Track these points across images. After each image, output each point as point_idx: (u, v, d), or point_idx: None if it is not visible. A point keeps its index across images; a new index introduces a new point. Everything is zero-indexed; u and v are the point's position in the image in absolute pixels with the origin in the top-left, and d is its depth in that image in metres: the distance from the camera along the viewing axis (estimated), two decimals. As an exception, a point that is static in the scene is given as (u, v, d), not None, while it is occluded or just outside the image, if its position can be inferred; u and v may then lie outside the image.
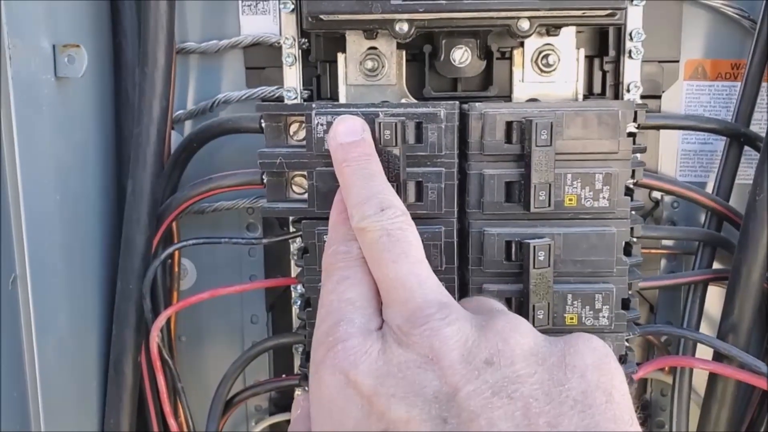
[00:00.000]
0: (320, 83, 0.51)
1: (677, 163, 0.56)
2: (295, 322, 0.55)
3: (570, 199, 0.40)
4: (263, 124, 0.42)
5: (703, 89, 0.55)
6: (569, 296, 0.40)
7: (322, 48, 0.51)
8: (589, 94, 0.51)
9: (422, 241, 0.31)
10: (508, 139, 0.40)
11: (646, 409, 0.60)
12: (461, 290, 0.41)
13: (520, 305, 0.39)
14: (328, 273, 0.31)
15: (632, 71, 0.49)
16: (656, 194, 0.56)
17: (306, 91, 0.50)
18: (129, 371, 0.51)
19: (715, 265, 0.53)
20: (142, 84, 0.49)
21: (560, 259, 0.40)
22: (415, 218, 0.32)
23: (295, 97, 0.50)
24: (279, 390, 0.57)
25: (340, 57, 0.49)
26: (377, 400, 0.25)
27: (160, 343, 0.50)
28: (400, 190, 0.36)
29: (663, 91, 0.55)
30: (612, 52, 0.50)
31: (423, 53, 0.49)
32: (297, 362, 0.55)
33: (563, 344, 0.26)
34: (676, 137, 0.56)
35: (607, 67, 0.51)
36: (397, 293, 0.28)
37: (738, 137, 0.52)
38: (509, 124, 0.39)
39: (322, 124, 0.39)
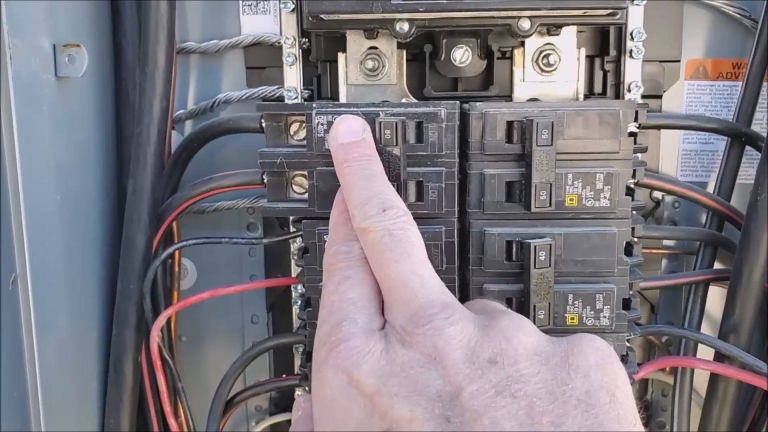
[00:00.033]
0: (321, 83, 0.51)
1: (678, 163, 0.56)
2: (296, 322, 0.55)
3: (571, 199, 0.39)
4: (264, 124, 0.42)
5: (704, 89, 0.55)
6: (570, 296, 0.40)
7: (322, 48, 0.51)
8: (589, 93, 0.51)
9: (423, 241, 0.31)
10: (509, 139, 0.40)
11: (647, 410, 0.60)
12: (462, 290, 0.41)
13: (521, 305, 0.39)
14: (330, 273, 0.31)
15: (633, 71, 0.49)
16: (657, 194, 0.56)
17: (306, 91, 0.50)
18: (129, 371, 0.51)
19: (716, 266, 0.53)
20: (142, 84, 0.49)
21: (561, 259, 0.40)
22: (416, 218, 0.32)
23: (296, 97, 0.50)
24: (279, 390, 0.57)
25: (341, 57, 0.49)
26: (380, 399, 0.25)
27: (161, 342, 0.50)
28: (401, 189, 0.36)
29: (664, 91, 0.54)
30: (613, 52, 0.50)
31: (423, 53, 0.49)
32: (297, 362, 0.55)
33: (566, 344, 0.26)
34: (677, 137, 0.56)
35: (607, 66, 0.51)
36: (400, 293, 0.28)
37: (739, 137, 0.52)
38: (510, 124, 0.39)
39: (322, 124, 0.39)
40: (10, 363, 0.43)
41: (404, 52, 0.49)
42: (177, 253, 0.55)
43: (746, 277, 0.47)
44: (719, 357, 0.49)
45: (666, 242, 0.56)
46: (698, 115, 0.55)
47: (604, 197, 0.39)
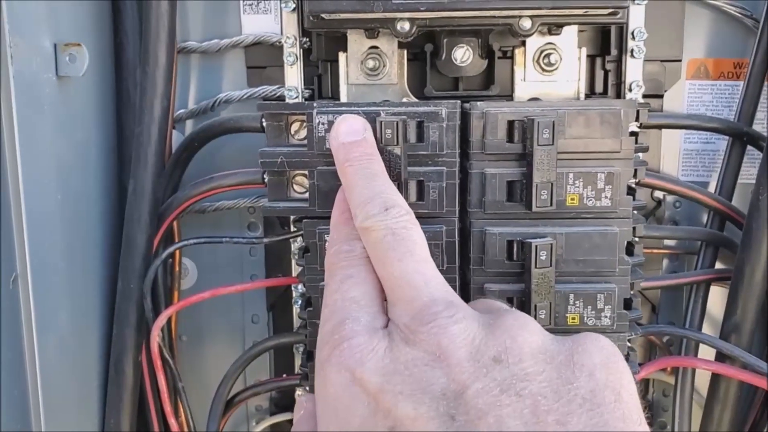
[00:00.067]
0: (321, 82, 0.51)
1: (679, 162, 0.56)
2: (296, 322, 0.55)
3: (572, 199, 0.39)
4: (264, 124, 0.42)
5: (705, 88, 0.55)
6: (571, 296, 0.40)
7: (323, 47, 0.51)
8: (590, 93, 0.51)
9: None
10: (510, 138, 0.40)
11: (648, 410, 0.60)
12: (462, 290, 0.41)
13: (522, 305, 0.39)
14: (332, 272, 0.31)
15: (634, 70, 0.49)
16: (658, 194, 0.56)
17: (307, 91, 0.50)
18: (130, 371, 0.51)
19: (718, 265, 0.53)
20: (143, 83, 0.49)
21: (562, 258, 0.39)
22: (417, 218, 0.32)
23: (297, 97, 0.50)
24: (280, 390, 0.57)
25: (342, 56, 0.49)
26: (384, 397, 0.25)
27: (161, 342, 0.50)
28: (402, 189, 0.36)
29: (665, 91, 0.54)
30: (614, 51, 0.50)
31: (424, 52, 0.49)
32: (298, 362, 0.55)
33: (571, 343, 0.26)
34: (678, 137, 0.56)
35: (609, 66, 0.51)
36: (403, 292, 0.28)
37: (740, 136, 0.52)
38: (511, 123, 0.39)
39: (323, 123, 0.39)
40: (10, 362, 0.43)
41: (405, 51, 0.49)
42: (177, 252, 0.55)
43: (748, 276, 0.47)
44: (720, 357, 0.49)
45: (667, 242, 0.56)
46: (699, 114, 0.55)
47: (606, 197, 0.39)
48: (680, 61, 0.54)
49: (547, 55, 0.48)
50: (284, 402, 0.60)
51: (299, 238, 0.50)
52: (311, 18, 0.44)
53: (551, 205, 0.39)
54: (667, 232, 0.55)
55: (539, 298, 0.38)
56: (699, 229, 0.54)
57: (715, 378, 0.50)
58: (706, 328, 0.54)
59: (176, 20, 0.50)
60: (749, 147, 0.52)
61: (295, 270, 0.54)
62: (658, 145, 0.55)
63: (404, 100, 0.49)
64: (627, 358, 0.42)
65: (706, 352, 0.51)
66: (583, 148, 0.39)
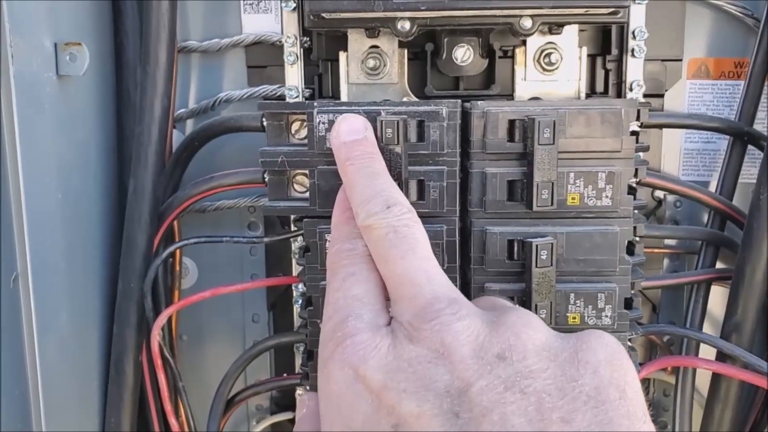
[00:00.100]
0: (322, 82, 0.51)
1: (680, 162, 0.56)
2: (297, 321, 0.55)
3: (573, 198, 0.39)
4: (265, 123, 0.42)
5: (706, 88, 0.55)
6: (572, 295, 0.40)
7: (323, 46, 0.51)
8: (591, 92, 0.51)
9: None
10: (511, 138, 0.40)
11: (649, 409, 0.60)
12: (463, 289, 0.41)
13: (523, 305, 0.39)
14: (333, 271, 0.31)
15: (635, 70, 0.49)
16: (659, 193, 0.56)
17: (308, 90, 0.50)
18: (130, 370, 0.51)
19: (718, 265, 0.53)
20: (143, 83, 0.49)
21: (563, 258, 0.39)
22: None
23: (297, 96, 0.50)
24: (280, 389, 0.57)
25: (342, 55, 0.49)
26: (387, 394, 0.25)
27: (161, 342, 0.50)
28: (402, 188, 0.36)
29: (666, 90, 0.54)
30: (614, 51, 0.50)
31: (425, 52, 0.49)
32: (298, 361, 0.55)
33: (575, 340, 0.26)
34: (679, 136, 0.56)
35: (609, 65, 0.50)
36: (406, 289, 0.28)
37: (741, 136, 0.52)
38: (512, 123, 0.39)
39: (323, 123, 0.39)
40: (10, 362, 0.43)
41: (405, 50, 0.49)
42: (178, 252, 0.55)
43: (748, 276, 0.47)
44: (721, 357, 0.49)
45: (668, 241, 0.56)
46: (700, 114, 0.55)
47: (606, 196, 0.39)
48: (681, 60, 0.54)
49: (548, 55, 0.48)
50: (285, 401, 0.60)
51: (300, 238, 0.50)
52: (312, 17, 0.44)
53: (552, 204, 0.39)
54: (668, 231, 0.55)
55: (540, 298, 0.38)
56: (700, 228, 0.54)
57: (716, 378, 0.50)
58: (707, 328, 0.54)
59: (176, 20, 0.50)
60: (750, 146, 0.52)
61: (296, 269, 0.54)
62: (658, 144, 0.55)
63: (405, 99, 0.49)
64: (628, 357, 0.42)
65: (707, 352, 0.51)
66: (584, 147, 0.39)
